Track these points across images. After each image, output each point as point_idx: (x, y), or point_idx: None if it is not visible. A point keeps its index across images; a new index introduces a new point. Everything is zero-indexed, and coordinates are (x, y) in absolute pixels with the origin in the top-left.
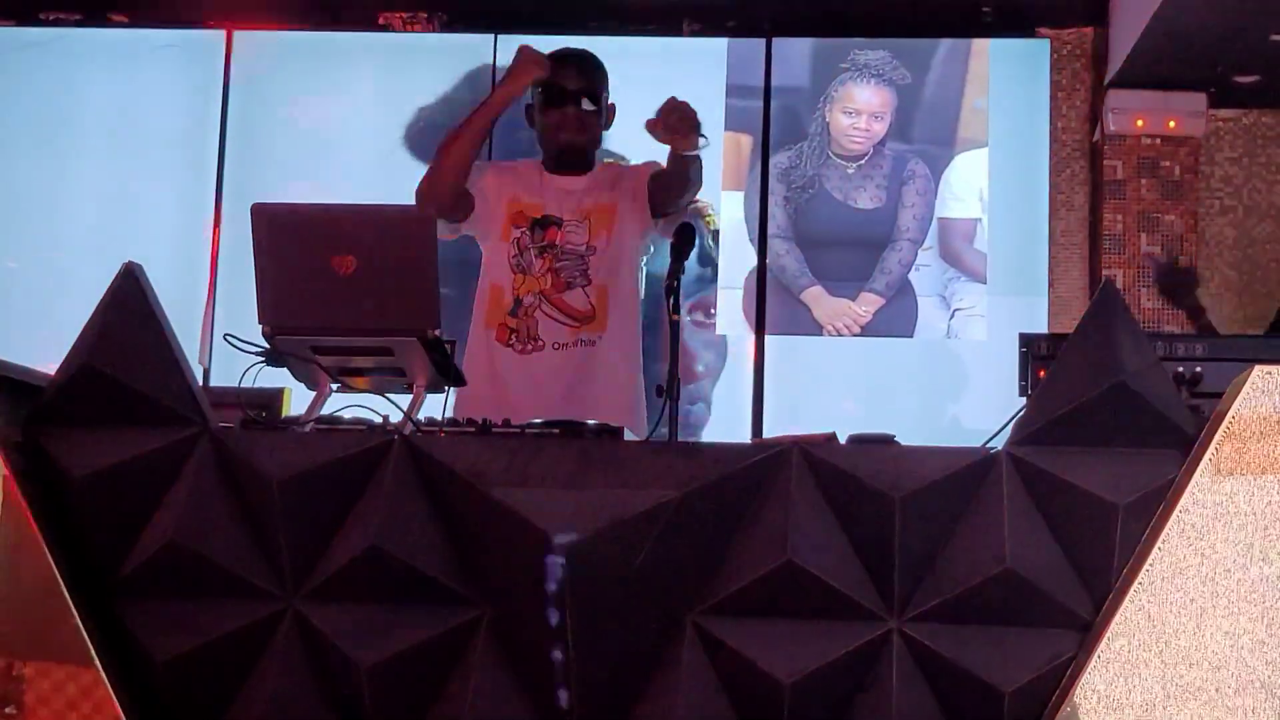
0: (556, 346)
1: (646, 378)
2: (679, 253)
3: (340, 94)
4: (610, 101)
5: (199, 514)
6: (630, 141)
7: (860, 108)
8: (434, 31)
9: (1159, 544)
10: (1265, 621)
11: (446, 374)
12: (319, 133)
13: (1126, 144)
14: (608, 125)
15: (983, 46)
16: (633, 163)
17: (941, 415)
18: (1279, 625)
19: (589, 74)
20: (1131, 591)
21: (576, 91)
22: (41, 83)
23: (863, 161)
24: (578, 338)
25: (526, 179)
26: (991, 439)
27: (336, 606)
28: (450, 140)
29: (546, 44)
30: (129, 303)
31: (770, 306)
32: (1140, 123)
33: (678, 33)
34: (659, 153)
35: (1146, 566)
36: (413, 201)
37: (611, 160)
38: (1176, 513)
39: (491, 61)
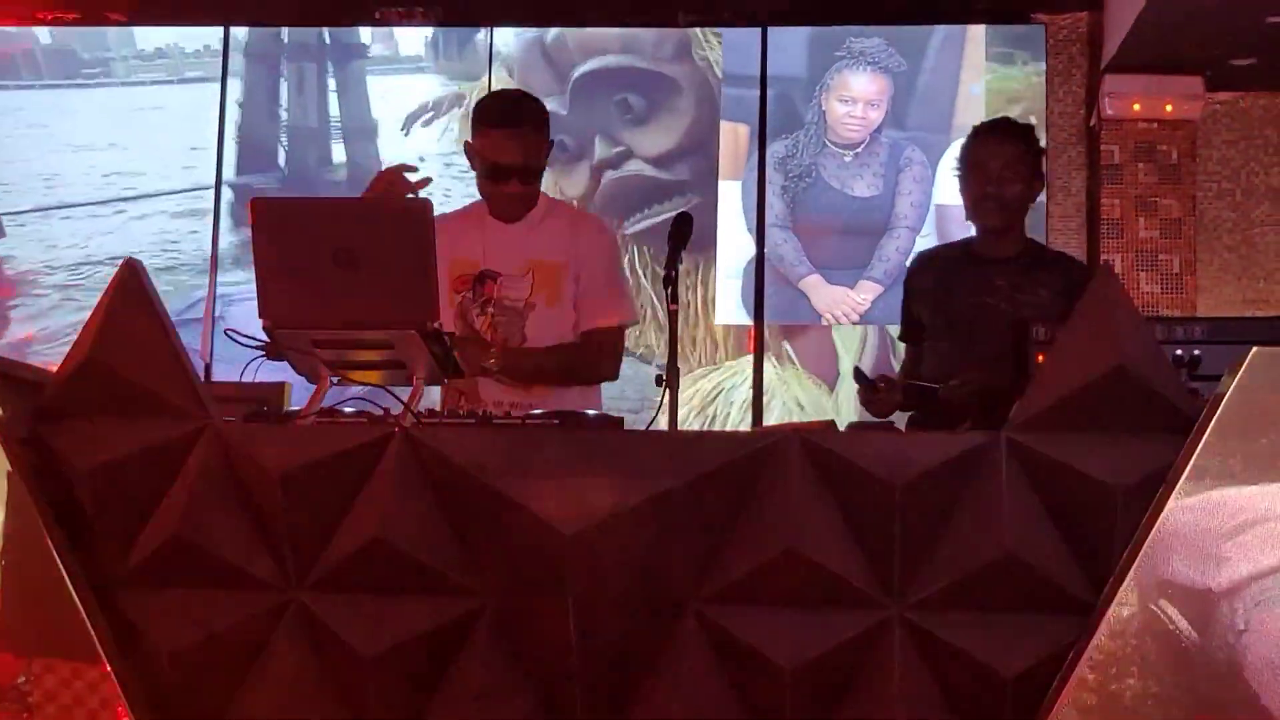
0: (496, 405)
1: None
2: (676, 243)
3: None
4: (550, 140)
5: (203, 507)
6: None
7: (856, 95)
8: (430, 25)
9: (1158, 527)
10: (1264, 604)
11: (446, 366)
12: None
13: (1123, 128)
14: (545, 164)
15: (978, 32)
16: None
17: None
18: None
19: (528, 145)
20: (1131, 575)
21: (515, 168)
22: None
23: (859, 149)
24: (514, 401)
25: (466, 228)
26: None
27: (339, 598)
28: None
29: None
30: (131, 298)
31: (769, 295)
32: (1137, 106)
33: (673, 23)
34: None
35: (1146, 550)
36: None
37: (560, 201)
38: (1175, 496)
39: (489, 59)
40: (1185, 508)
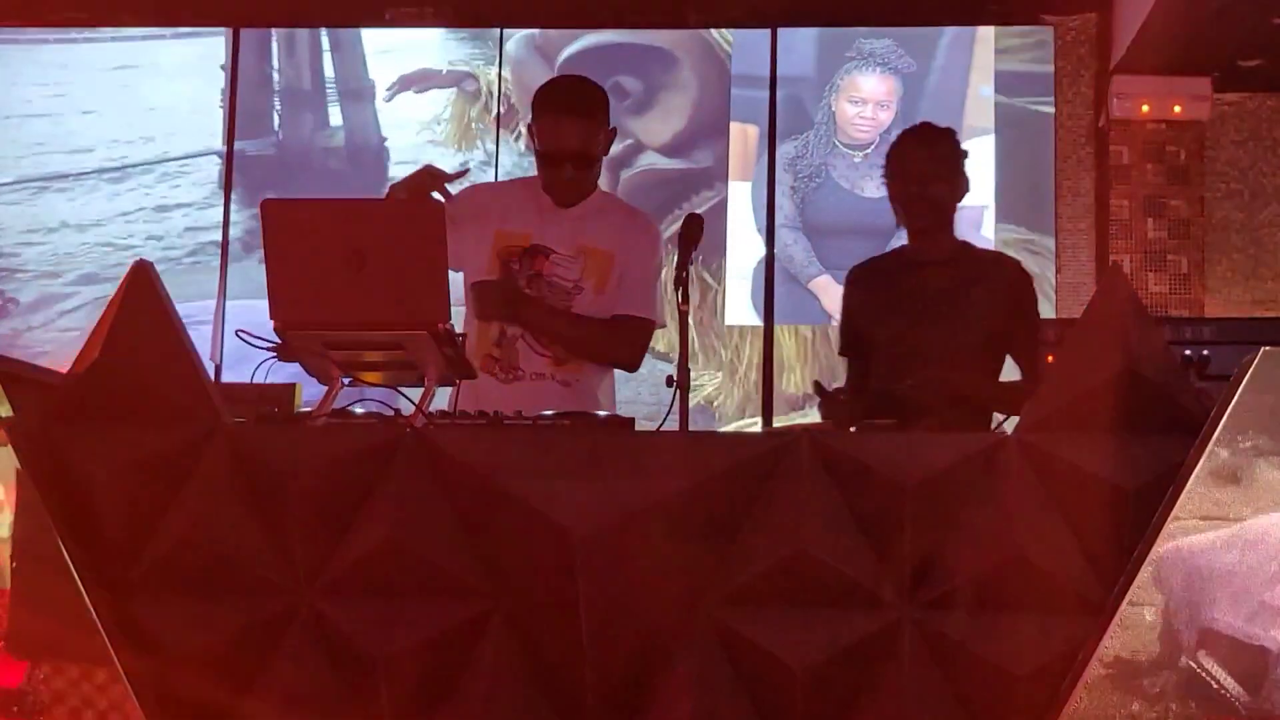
0: (534, 377)
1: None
2: (687, 244)
3: None
4: (611, 127)
5: (213, 509)
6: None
7: (866, 96)
8: (440, 26)
9: (1168, 527)
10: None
11: (457, 367)
12: None
13: (1132, 129)
14: (606, 151)
15: (987, 34)
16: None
17: None
18: None
19: (584, 131)
20: (1141, 575)
21: (569, 154)
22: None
23: (869, 150)
24: (553, 373)
25: (517, 202)
26: (1001, 425)
27: (351, 600)
28: None
29: (551, 38)
30: (141, 300)
31: (779, 296)
32: (1145, 108)
33: (683, 24)
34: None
35: (1156, 550)
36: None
37: (615, 195)
38: (1185, 496)
39: (497, 59)
40: (1195, 508)
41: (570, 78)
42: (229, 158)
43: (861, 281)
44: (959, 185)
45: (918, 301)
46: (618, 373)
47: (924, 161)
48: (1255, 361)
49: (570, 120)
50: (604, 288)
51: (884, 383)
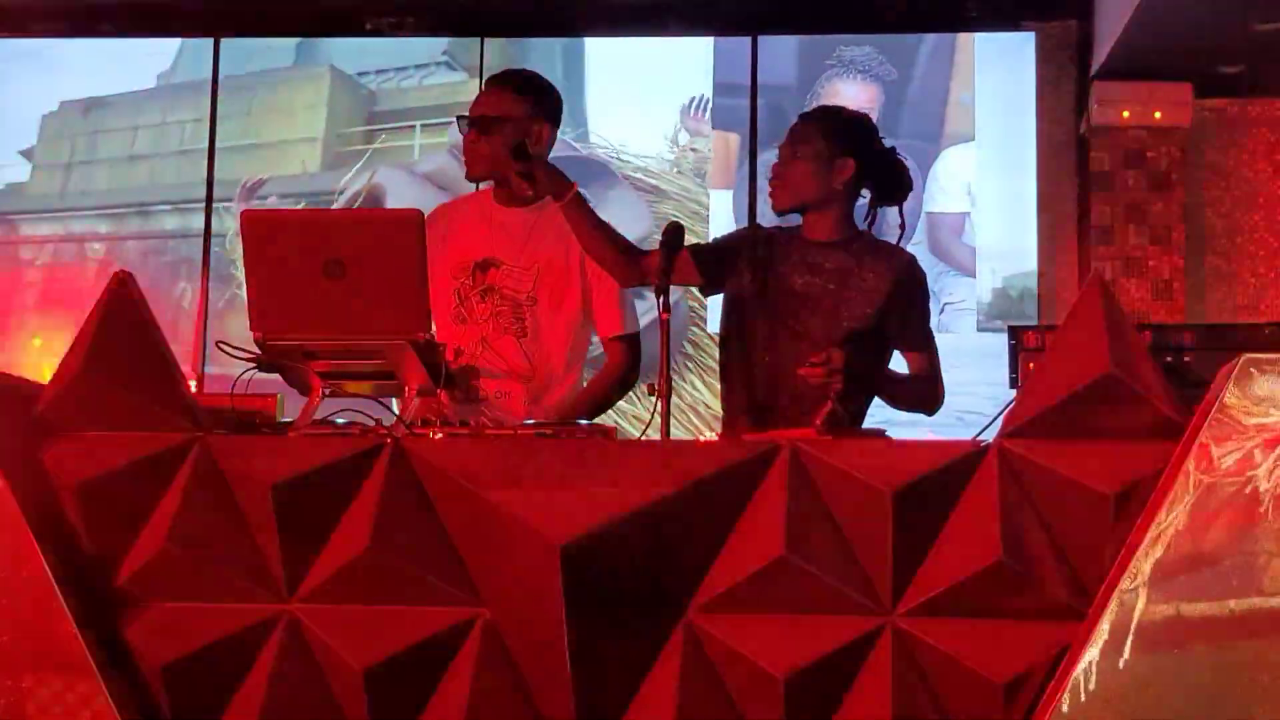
0: (498, 395)
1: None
2: (668, 251)
3: None
4: (548, 125)
5: (194, 520)
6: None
7: (846, 104)
8: (422, 35)
9: (1150, 533)
10: (1257, 608)
11: (438, 376)
12: None
13: (1113, 135)
14: (537, 145)
15: (968, 40)
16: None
17: None
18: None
19: (499, 101)
20: (1123, 581)
21: (473, 119)
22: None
23: None
24: (512, 391)
25: (467, 215)
26: (982, 431)
27: (332, 609)
28: None
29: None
30: (122, 311)
31: None
32: (1126, 114)
33: (665, 32)
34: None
35: (1138, 556)
36: None
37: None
38: (1167, 502)
39: (479, 63)
40: (1176, 513)
41: (523, 69)
42: (210, 166)
43: (755, 237)
44: (833, 168)
45: (805, 275)
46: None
47: (790, 143)
48: (1236, 368)
49: (489, 88)
50: (560, 303)
51: (760, 352)
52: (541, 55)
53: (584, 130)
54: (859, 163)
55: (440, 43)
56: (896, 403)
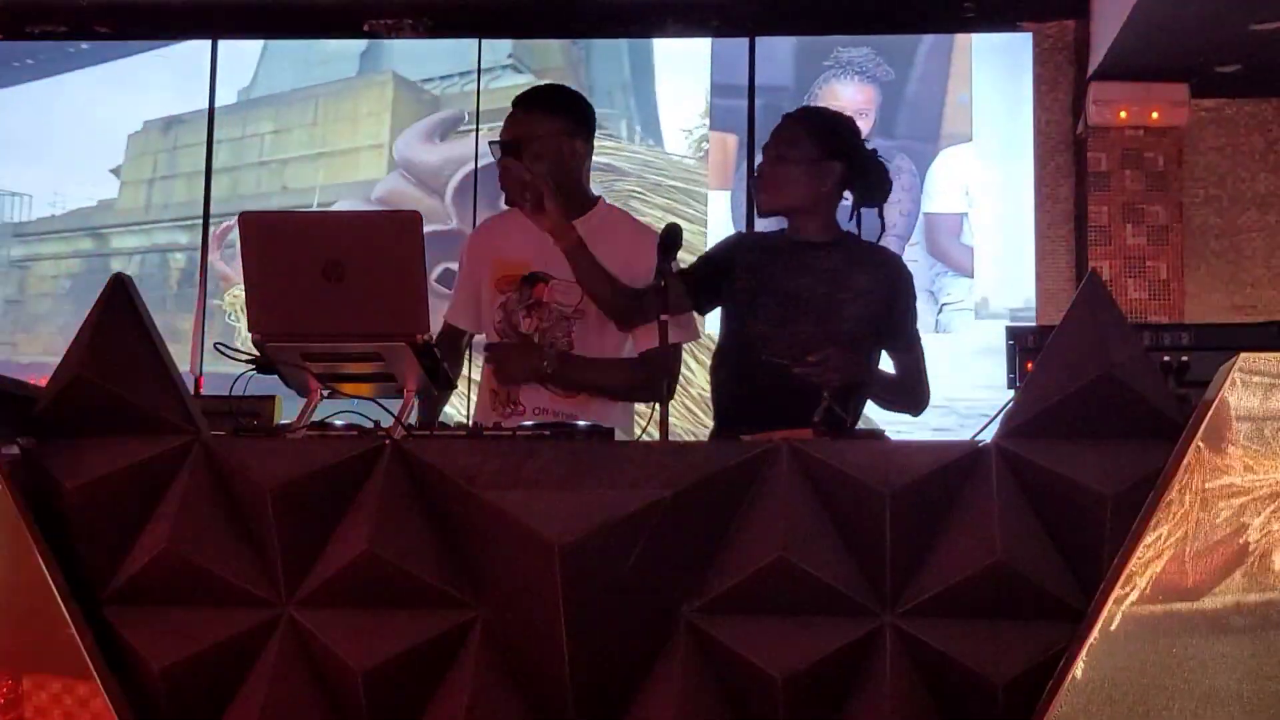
0: (537, 412)
1: None
2: (665, 252)
3: None
4: (583, 141)
5: (192, 522)
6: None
7: (844, 104)
8: (420, 37)
9: (1149, 533)
10: (1256, 608)
11: (436, 378)
12: None
13: (1110, 136)
14: (572, 159)
15: (965, 41)
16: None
17: (930, 410)
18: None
19: (529, 123)
20: (1122, 581)
21: (505, 144)
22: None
23: None
24: (557, 409)
25: (515, 228)
26: (980, 432)
27: (331, 612)
28: None
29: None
30: (119, 313)
31: None
32: (1123, 114)
33: (661, 33)
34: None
35: (1136, 556)
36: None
37: (623, 210)
38: (1165, 502)
39: (476, 67)
40: (1174, 513)
41: (550, 84)
42: (208, 164)
43: (745, 244)
44: (821, 170)
45: (801, 277)
46: None
47: (776, 143)
48: (1234, 367)
49: (519, 111)
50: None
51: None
52: (605, 55)
53: (657, 129)
54: (846, 165)
55: (505, 45)
56: (885, 403)
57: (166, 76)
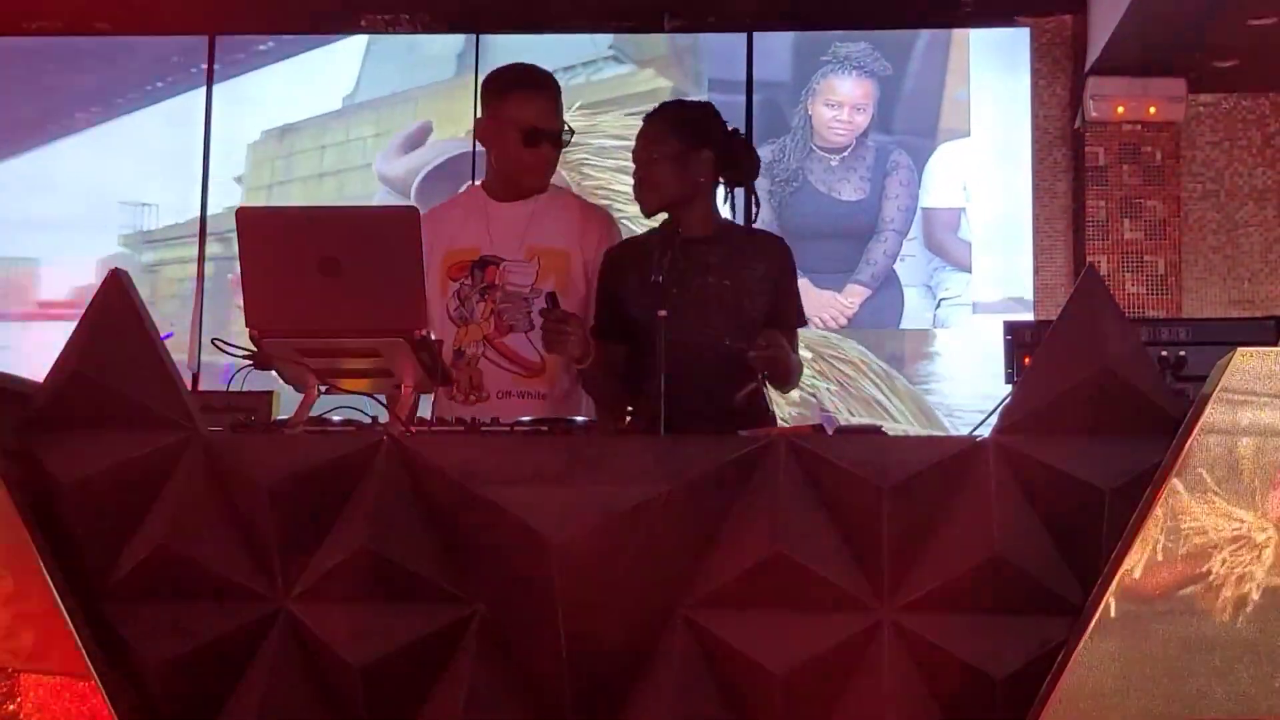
0: (501, 396)
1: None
2: (662, 249)
3: None
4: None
5: (189, 518)
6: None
7: (842, 100)
8: (416, 32)
9: (1146, 527)
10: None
11: (434, 374)
12: None
13: (1108, 130)
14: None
15: (963, 36)
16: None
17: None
18: (1266, 605)
19: (557, 105)
20: (1119, 575)
21: (548, 132)
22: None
23: (846, 153)
24: (523, 390)
25: (461, 214)
26: (978, 427)
27: (328, 607)
28: None
29: (527, 42)
30: (116, 309)
31: None
32: (1121, 109)
33: (658, 28)
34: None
35: (1134, 550)
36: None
37: (565, 188)
38: (1163, 496)
39: (474, 63)
40: (1172, 507)
41: (522, 63)
42: (206, 159)
43: (621, 262)
44: (689, 165)
45: (695, 276)
46: None
47: (644, 145)
48: (1230, 361)
49: (545, 96)
50: (565, 288)
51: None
52: (716, 46)
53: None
54: (715, 152)
55: (606, 37)
56: (773, 380)
57: (282, 88)
